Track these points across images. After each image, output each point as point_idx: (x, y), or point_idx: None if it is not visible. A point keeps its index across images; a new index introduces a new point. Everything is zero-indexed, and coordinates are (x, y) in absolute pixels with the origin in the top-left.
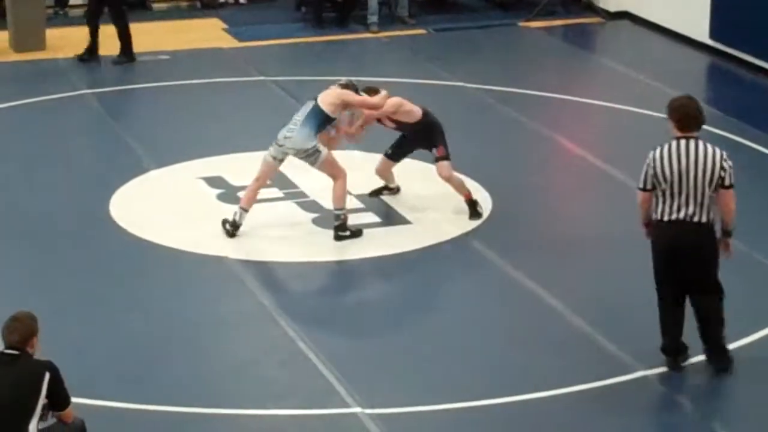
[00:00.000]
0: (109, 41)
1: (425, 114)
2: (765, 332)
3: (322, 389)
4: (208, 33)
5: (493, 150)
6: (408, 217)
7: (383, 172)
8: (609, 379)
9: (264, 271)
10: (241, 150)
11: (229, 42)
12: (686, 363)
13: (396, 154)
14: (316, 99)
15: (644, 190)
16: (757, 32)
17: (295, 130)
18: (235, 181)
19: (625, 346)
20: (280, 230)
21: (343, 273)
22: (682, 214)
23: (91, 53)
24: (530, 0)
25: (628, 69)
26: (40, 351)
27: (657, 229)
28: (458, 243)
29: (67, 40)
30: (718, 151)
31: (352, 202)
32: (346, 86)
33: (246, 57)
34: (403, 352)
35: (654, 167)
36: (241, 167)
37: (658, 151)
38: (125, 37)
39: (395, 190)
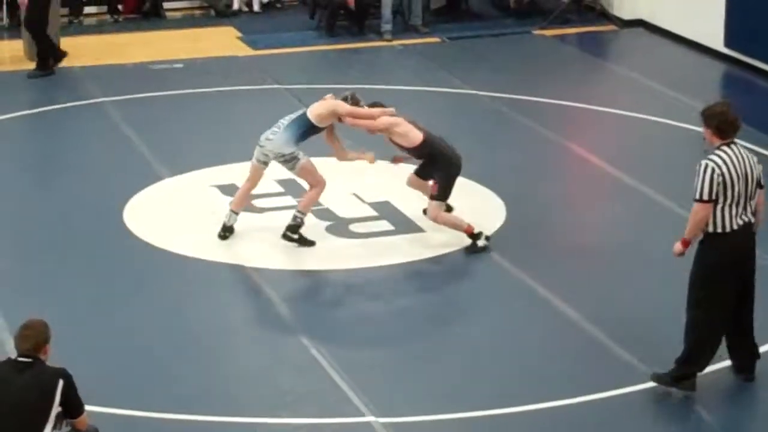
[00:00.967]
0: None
1: (424, 142)
2: None
3: (336, 398)
4: (222, 41)
5: (507, 158)
6: (421, 225)
7: (413, 185)
8: (626, 388)
9: (278, 278)
10: None
11: (243, 50)
12: (702, 373)
13: (420, 172)
14: (308, 107)
15: (708, 201)
16: None
17: (278, 133)
18: None
19: (642, 356)
20: None
21: (357, 281)
22: (742, 221)
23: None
24: (544, 8)
25: (642, 77)
26: (50, 356)
27: (717, 241)
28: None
29: (82, 49)
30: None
31: (365, 210)
32: (345, 98)
33: (260, 65)
34: (417, 360)
35: (722, 175)
36: None
37: (716, 159)
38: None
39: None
